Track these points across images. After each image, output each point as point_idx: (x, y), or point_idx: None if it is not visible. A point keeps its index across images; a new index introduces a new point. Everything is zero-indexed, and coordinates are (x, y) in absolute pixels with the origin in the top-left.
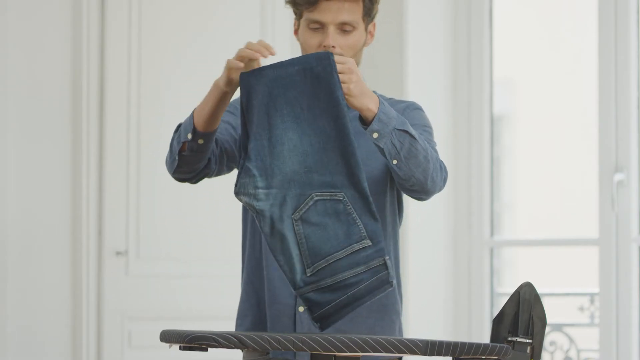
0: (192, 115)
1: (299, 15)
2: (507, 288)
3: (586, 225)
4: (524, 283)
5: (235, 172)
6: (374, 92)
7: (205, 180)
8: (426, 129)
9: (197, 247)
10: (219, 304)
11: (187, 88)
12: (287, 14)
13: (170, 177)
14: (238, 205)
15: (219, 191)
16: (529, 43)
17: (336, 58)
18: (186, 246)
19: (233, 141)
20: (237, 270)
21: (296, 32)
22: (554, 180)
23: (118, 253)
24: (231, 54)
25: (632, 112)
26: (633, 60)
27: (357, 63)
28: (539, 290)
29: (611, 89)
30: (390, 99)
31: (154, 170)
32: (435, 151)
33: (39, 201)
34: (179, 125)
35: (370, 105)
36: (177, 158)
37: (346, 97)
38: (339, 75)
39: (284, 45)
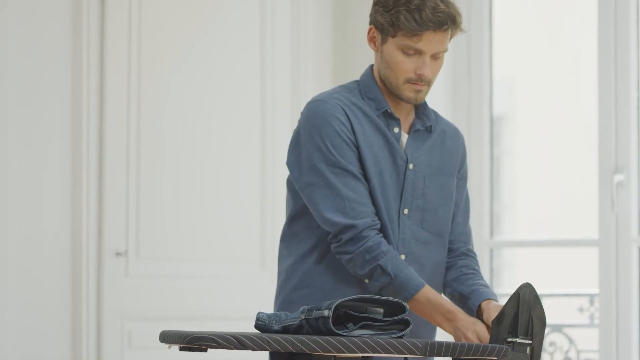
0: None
1: (390, 34)
2: (507, 289)
3: (586, 226)
4: (523, 284)
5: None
6: (434, 112)
7: (205, 181)
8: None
9: (197, 248)
10: (219, 305)
11: (187, 88)
12: (287, 16)
13: (168, 179)
14: (239, 206)
15: (220, 192)
16: (528, 43)
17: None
18: (186, 247)
19: None
20: (237, 270)
21: (372, 39)
22: (554, 181)
23: (118, 254)
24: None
25: (632, 113)
26: (633, 61)
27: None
28: (539, 291)
29: (611, 90)
30: (434, 112)
31: (153, 170)
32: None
33: (39, 201)
34: None
35: None
36: None
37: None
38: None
39: (283, 47)
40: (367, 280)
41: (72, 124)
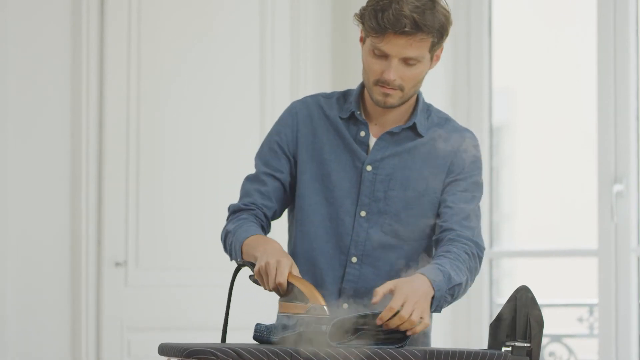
0: (241, 249)
1: (365, 34)
2: (507, 299)
3: (585, 236)
4: (520, 287)
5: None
6: (429, 105)
7: (204, 190)
8: (476, 190)
9: (197, 257)
10: (218, 314)
11: (187, 89)
12: (287, 17)
13: (168, 188)
14: None
15: (218, 201)
16: (528, 52)
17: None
18: (185, 256)
19: (283, 197)
20: (236, 280)
21: (362, 39)
22: (554, 191)
23: (117, 264)
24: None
25: (632, 123)
26: (632, 71)
27: (418, 88)
28: (539, 301)
29: (610, 99)
30: (445, 118)
31: (153, 180)
32: (478, 213)
33: (39, 211)
34: (228, 231)
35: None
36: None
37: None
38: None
39: (283, 48)
40: (231, 258)
41: (72, 133)
